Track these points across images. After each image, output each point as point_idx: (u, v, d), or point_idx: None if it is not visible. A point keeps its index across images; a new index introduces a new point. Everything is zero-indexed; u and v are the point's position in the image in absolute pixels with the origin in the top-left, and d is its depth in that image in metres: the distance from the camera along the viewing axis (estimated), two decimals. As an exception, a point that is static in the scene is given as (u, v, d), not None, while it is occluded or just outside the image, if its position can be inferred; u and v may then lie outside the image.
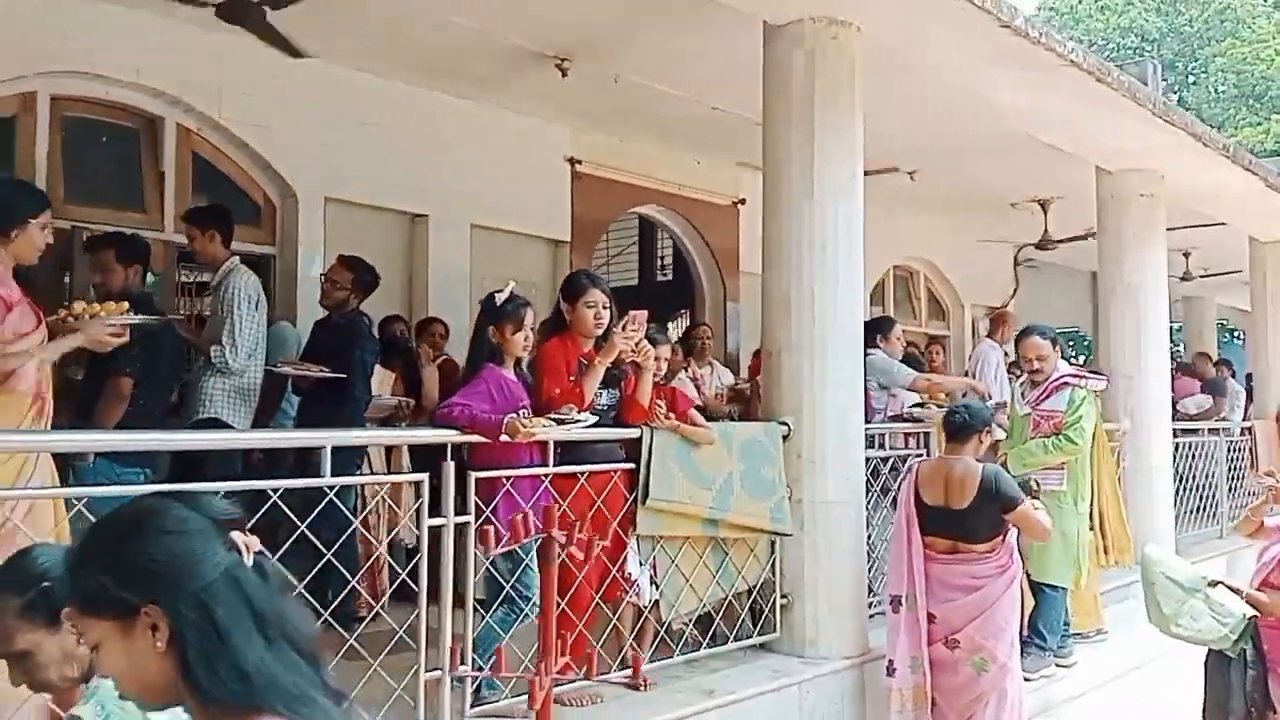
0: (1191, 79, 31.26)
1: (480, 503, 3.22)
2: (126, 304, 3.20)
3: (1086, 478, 4.77)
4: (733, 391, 6.59)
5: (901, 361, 5.77)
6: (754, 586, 4.23)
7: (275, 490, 2.79)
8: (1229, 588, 3.87)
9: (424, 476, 3.11)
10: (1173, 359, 11.60)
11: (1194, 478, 8.01)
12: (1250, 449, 8.86)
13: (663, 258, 10.18)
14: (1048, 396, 4.82)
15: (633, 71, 6.13)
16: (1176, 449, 7.77)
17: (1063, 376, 4.80)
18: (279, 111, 5.69)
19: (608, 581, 3.66)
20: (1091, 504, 5.15)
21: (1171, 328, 17.89)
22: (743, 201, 8.56)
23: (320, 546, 2.89)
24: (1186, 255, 12.16)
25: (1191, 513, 7.94)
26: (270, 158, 5.72)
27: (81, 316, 3.04)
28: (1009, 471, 4.82)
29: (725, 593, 4.09)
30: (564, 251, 7.29)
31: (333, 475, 2.98)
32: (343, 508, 3.37)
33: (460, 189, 6.55)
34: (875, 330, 5.61)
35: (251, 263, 5.86)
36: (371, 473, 4.77)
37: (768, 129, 4.62)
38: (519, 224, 6.96)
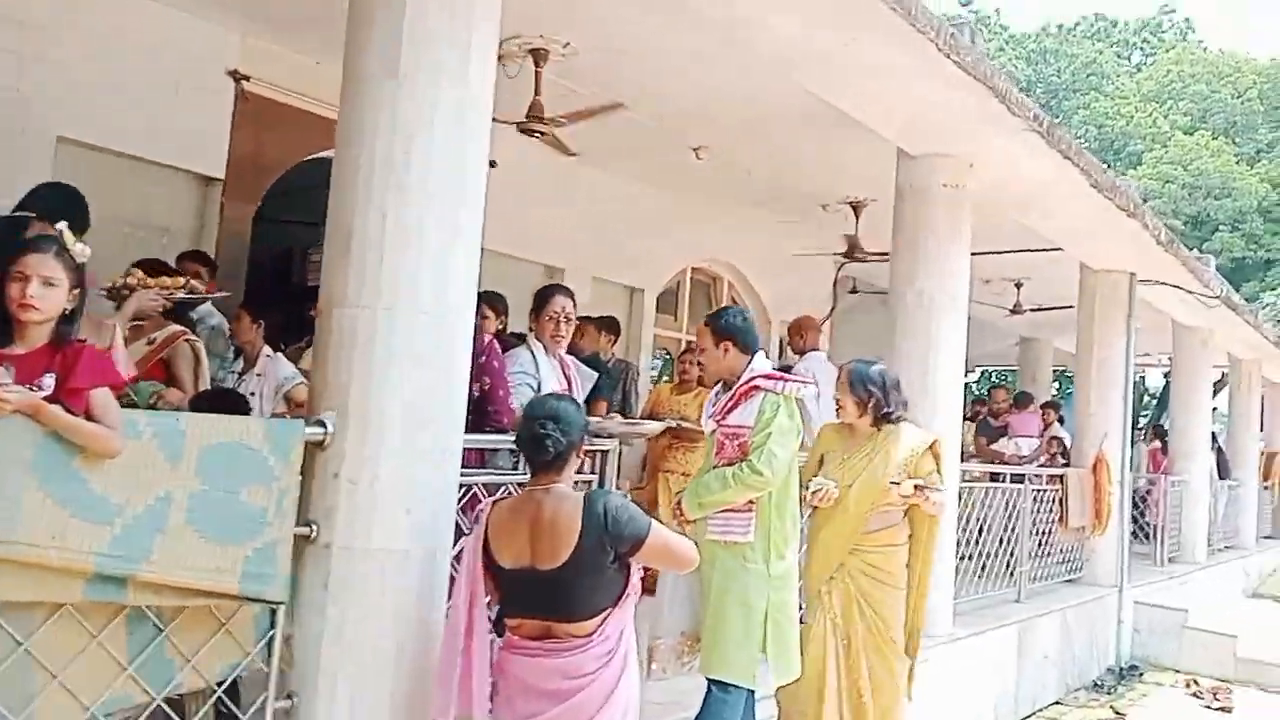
0: (1055, 129, 31.48)
1: None
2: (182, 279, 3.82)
3: (788, 521, 3.31)
4: None
5: (575, 355, 4.26)
6: (224, 681, 2.61)
7: None
8: None
9: None
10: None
11: (989, 530, 6.79)
12: (1060, 500, 7.74)
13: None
14: (734, 406, 3.36)
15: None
16: (966, 495, 6.55)
17: (754, 379, 3.36)
18: None
19: None
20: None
21: (1007, 372, 17.19)
22: (492, 164, 6.98)
23: None
24: (1019, 286, 11.23)
25: (979, 573, 6.70)
26: None
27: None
28: (686, 514, 3.40)
29: (153, 695, 2.45)
30: (216, 192, 5.58)
31: None
32: None
33: (45, 91, 4.79)
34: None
35: None
36: None
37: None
38: (144, 148, 5.20)
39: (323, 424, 2.77)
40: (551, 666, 2.63)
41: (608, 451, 3.73)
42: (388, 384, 2.80)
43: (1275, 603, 11.51)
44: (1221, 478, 12.87)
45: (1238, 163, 27.45)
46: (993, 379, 16.94)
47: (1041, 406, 10.84)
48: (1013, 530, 7.05)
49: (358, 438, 2.77)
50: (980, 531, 6.76)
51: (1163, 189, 26.75)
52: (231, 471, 2.50)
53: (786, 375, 3.42)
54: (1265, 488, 15.60)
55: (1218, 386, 19.18)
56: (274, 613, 2.66)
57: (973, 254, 7.21)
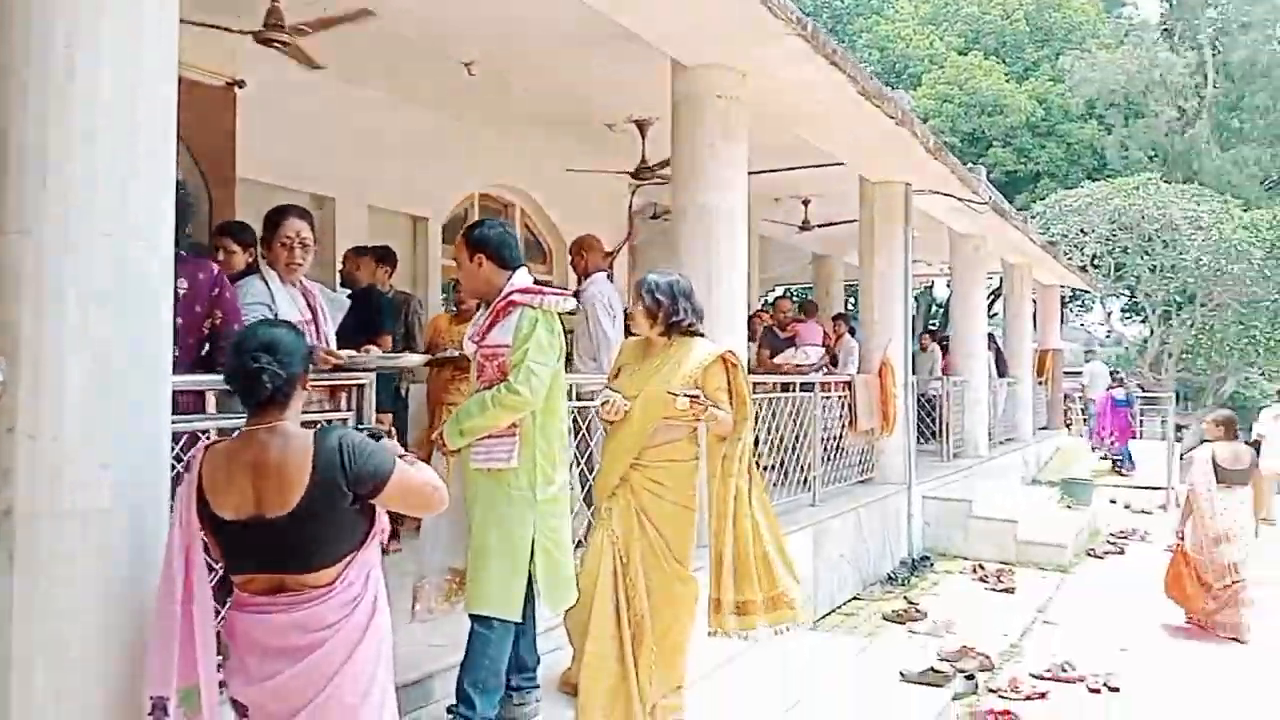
0: (842, 52, 32.37)
1: None
2: None
3: (555, 443, 3.14)
4: None
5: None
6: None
7: None
8: None
9: None
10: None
11: (782, 438, 6.91)
12: (849, 405, 7.99)
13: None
14: (492, 325, 3.15)
15: None
16: (764, 406, 6.64)
17: (510, 294, 3.15)
18: None
19: None
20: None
21: (804, 289, 17.73)
22: (240, 83, 6.42)
23: None
24: (806, 203, 11.47)
25: (779, 481, 6.84)
26: None
27: None
28: (448, 445, 3.18)
29: None
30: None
31: None
32: None
33: None
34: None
35: None
36: None
37: None
38: None
39: (-11, 372, 2.36)
40: (287, 622, 2.38)
41: (364, 386, 3.44)
42: (66, 322, 2.40)
43: (1050, 488, 12.45)
44: (1000, 376, 13.73)
45: (1008, 81, 29.09)
46: (792, 296, 17.44)
47: (833, 319, 11.18)
48: (805, 437, 7.21)
49: (33, 386, 2.37)
50: (779, 440, 6.88)
51: (941, 108, 28.08)
52: None
53: (546, 289, 3.20)
54: (1040, 383, 16.85)
55: (998, 293, 20.55)
56: (-59, 596, 2.26)
57: (758, 171, 7.21)
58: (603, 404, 3.57)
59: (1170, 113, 28.68)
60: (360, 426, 2.85)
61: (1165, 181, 23.92)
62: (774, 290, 19.70)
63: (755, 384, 6.42)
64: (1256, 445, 13.29)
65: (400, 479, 2.43)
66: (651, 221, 11.47)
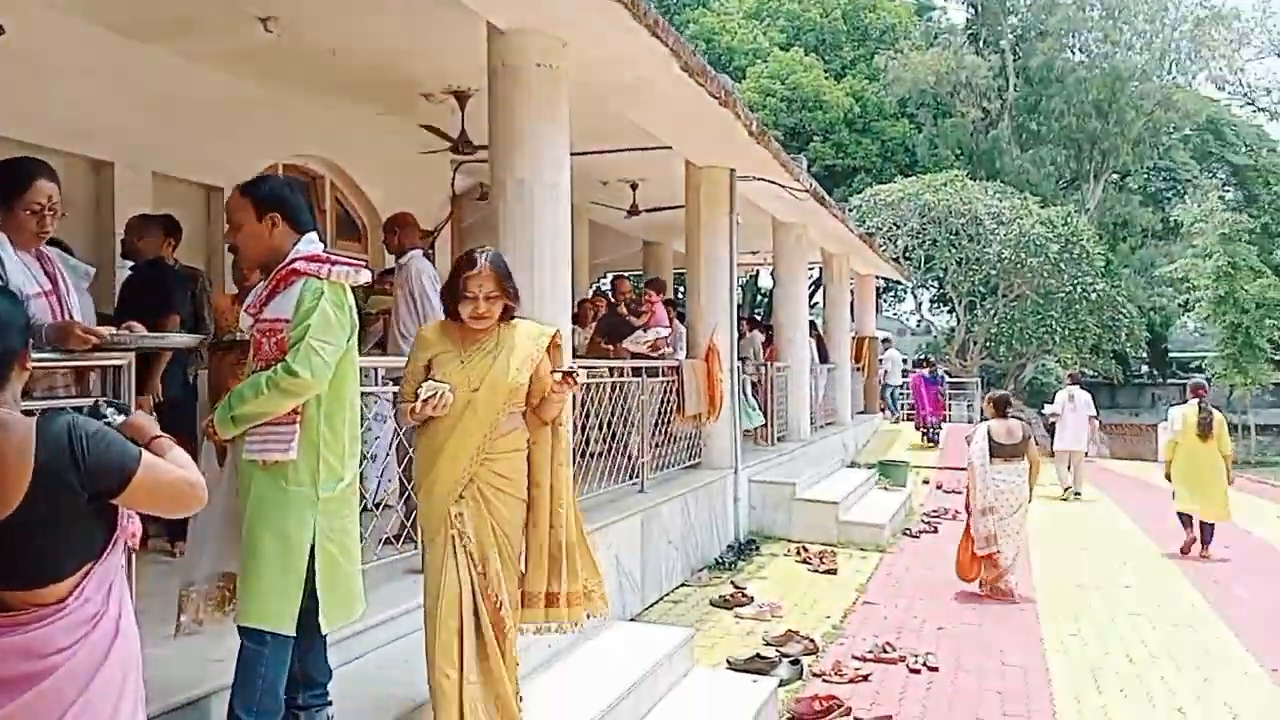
0: (668, 44, 32.61)
1: None
2: None
3: (345, 434, 2.77)
4: None
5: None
6: None
7: None
8: None
9: None
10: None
11: (611, 424, 6.72)
12: (677, 391, 7.88)
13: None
14: (271, 295, 2.77)
15: None
16: (594, 391, 6.42)
17: (294, 262, 2.77)
18: None
19: None
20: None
21: (634, 276, 17.73)
22: (-4, 31, 5.64)
23: None
24: (634, 187, 11.32)
25: (610, 471, 6.64)
26: None
27: None
28: (219, 433, 2.78)
29: None
30: None
31: None
32: None
33: None
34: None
35: None
36: None
37: None
38: None
39: None
40: (8, 646, 1.95)
41: (121, 367, 2.98)
42: None
43: (867, 469, 12.81)
44: (822, 362, 14.06)
45: (827, 78, 30.03)
46: (628, 279, 17.35)
47: (665, 304, 11.08)
48: (635, 423, 7.05)
49: None
50: (609, 426, 6.68)
51: (764, 101, 28.70)
52: None
53: (336, 257, 2.81)
54: (857, 369, 17.41)
55: (819, 283, 21.13)
56: None
57: (585, 152, 6.94)
58: (427, 398, 3.13)
59: (975, 113, 30.35)
60: (113, 401, 2.41)
61: (971, 179, 25.31)
62: (605, 277, 19.59)
63: (588, 369, 6.20)
64: (1051, 427, 14.20)
65: (148, 474, 2.03)
66: (479, 203, 11.05)
